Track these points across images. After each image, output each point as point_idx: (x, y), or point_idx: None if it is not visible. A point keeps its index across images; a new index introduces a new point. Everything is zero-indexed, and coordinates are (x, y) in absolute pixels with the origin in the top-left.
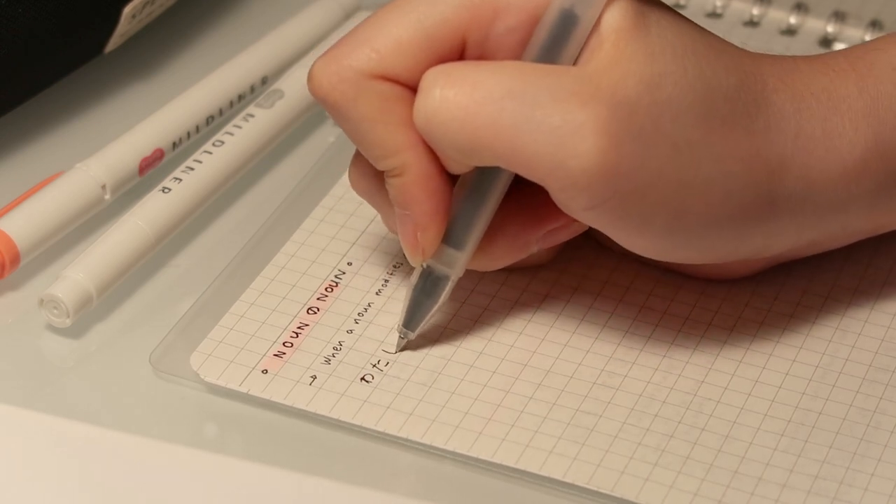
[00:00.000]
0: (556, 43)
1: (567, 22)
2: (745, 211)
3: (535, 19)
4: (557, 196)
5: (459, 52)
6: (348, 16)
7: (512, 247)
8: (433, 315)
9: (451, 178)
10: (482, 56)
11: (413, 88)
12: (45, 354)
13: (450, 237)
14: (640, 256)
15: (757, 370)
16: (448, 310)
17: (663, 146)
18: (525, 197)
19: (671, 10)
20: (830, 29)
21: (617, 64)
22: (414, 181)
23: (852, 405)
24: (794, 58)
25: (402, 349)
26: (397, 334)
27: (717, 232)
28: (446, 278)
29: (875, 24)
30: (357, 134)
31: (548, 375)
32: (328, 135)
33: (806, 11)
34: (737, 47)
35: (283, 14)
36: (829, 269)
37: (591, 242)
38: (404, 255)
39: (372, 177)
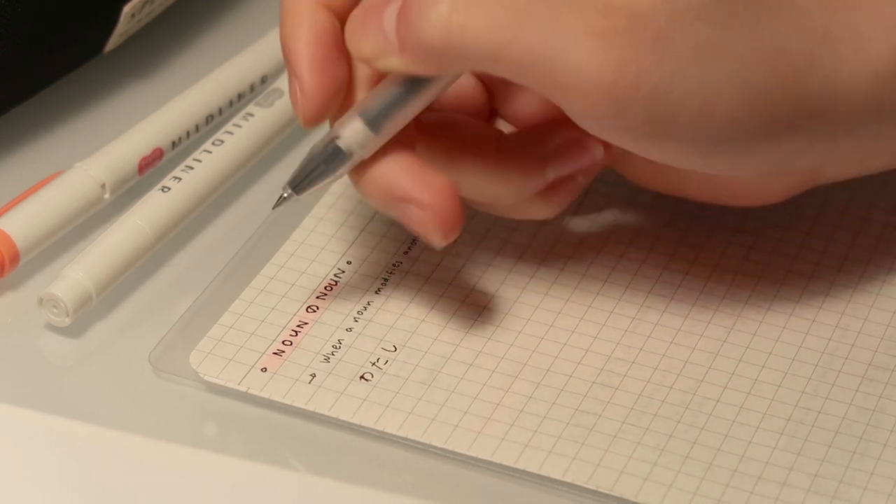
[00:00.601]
0: None
1: None
2: (772, 112)
3: None
4: (576, 105)
5: None
6: None
7: (526, 168)
8: (323, 186)
9: (348, 57)
10: None
11: None
12: (44, 354)
13: (368, 114)
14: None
15: (756, 369)
16: (447, 308)
17: (683, 48)
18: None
19: None
20: None
21: None
22: (296, 31)
23: (852, 404)
24: None
25: (278, 206)
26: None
27: (745, 136)
28: (349, 155)
29: None
30: None
31: (547, 374)
32: None
33: None
34: None
35: None
36: (829, 267)
37: (590, 240)
38: (404, 252)
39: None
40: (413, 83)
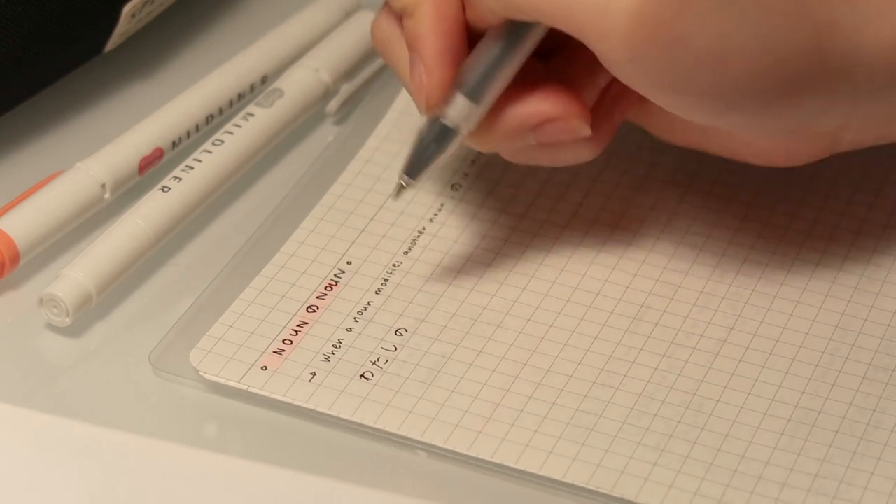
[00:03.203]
0: None
1: None
2: (792, 69)
3: None
4: (598, 47)
5: None
6: (348, 15)
7: (506, 126)
8: (436, 166)
9: (467, 30)
10: None
11: None
12: (44, 354)
13: (467, 87)
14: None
15: (757, 369)
16: (447, 309)
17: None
18: (531, 83)
19: None
20: None
21: None
22: (424, 19)
23: (852, 404)
24: None
25: (399, 194)
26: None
27: (763, 93)
28: (457, 130)
29: None
30: None
31: (547, 375)
32: (328, 134)
33: None
34: None
35: (283, 14)
36: (829, 267)
37: (590, 241)
38: (404, 252)
39: (391, 25)
40: (501, 49)
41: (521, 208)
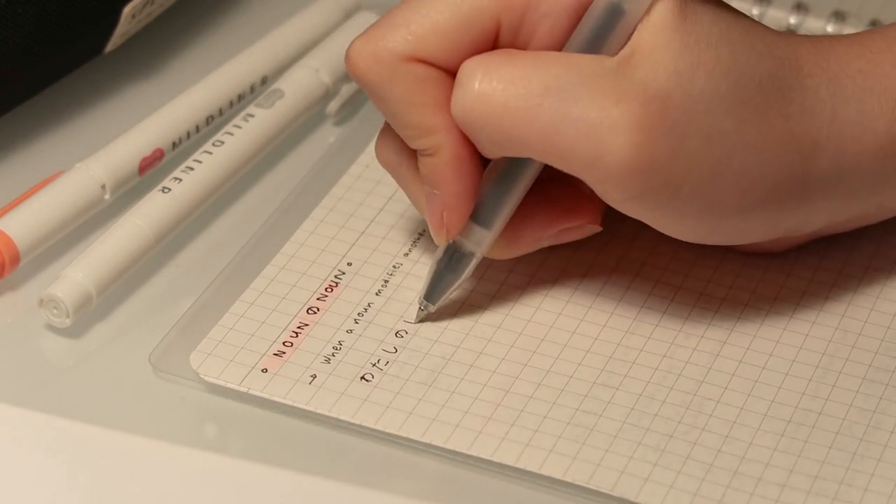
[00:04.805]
0: (600, 36)
1: (613, 15)
2: (779, 194)
3: (566, 6)
4: (594, 188)
5: (494, 37)
6: (348, 15)
7: (524, 240)
8: (454, 290)
9: (483, 160)
10: (516, 42)
11: (448, 71)
12: (44, 354)
13: (478, 216)
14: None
15: (757, 370)
16: (448, 310)
17: (696, 138)
18: (544, 194)
19: None
20: (830, 29)
21: (650, 56)
22: (446, 162)
23: (852, 405)
24: (830, 38)
25: (422, 321)
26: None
27: (752, 215)
28: (471, 255)
29: (875, 25)
30: (392, 114)
31: (548, 375)
32: (328, 135)
33: (806, 11)
34: (774, 32)
35: (283, 14)
36: (829, 270)
37: (590, 242)
38: (404, 254)
39: (399, 150)
40: (506, 179)
41: None
